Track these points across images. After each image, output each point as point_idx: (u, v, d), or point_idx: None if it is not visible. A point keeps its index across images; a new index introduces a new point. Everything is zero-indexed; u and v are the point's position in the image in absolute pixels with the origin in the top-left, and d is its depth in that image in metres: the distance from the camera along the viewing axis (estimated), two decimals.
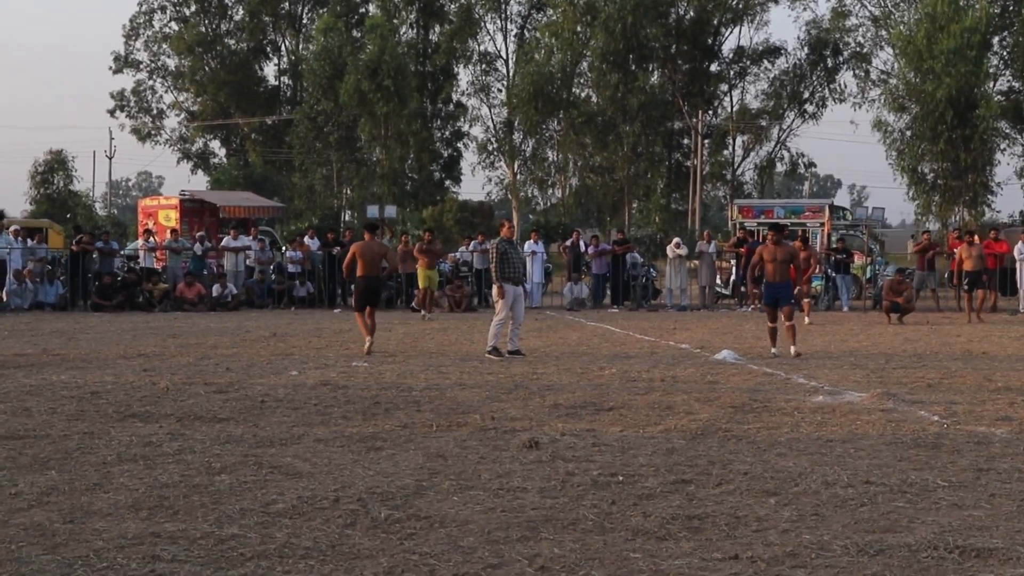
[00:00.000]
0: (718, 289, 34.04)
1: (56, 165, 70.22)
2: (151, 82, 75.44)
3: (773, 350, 17.66)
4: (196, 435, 9.98)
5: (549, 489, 7.90)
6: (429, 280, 27.96)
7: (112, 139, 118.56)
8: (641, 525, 6.94)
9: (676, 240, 33.49)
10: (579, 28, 65.24)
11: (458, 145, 72.18)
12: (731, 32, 70.29)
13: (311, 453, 9.20)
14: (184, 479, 8.14)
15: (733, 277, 33.50)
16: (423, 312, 27.04)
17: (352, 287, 21.26)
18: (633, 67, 62.73)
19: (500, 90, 71.44)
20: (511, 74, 70.59)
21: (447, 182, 71.18)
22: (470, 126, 72.66)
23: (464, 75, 72.43)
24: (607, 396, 12.71)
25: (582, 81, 68.19)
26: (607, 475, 8.36)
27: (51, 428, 10.29)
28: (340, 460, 8.92)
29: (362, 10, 73.12)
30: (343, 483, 8.03)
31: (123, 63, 74.43)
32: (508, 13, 71.86)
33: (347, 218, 65.51)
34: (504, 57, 72.28)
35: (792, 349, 17.41)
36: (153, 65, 75.20)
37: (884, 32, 61.85)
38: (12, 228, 32.02)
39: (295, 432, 10.19)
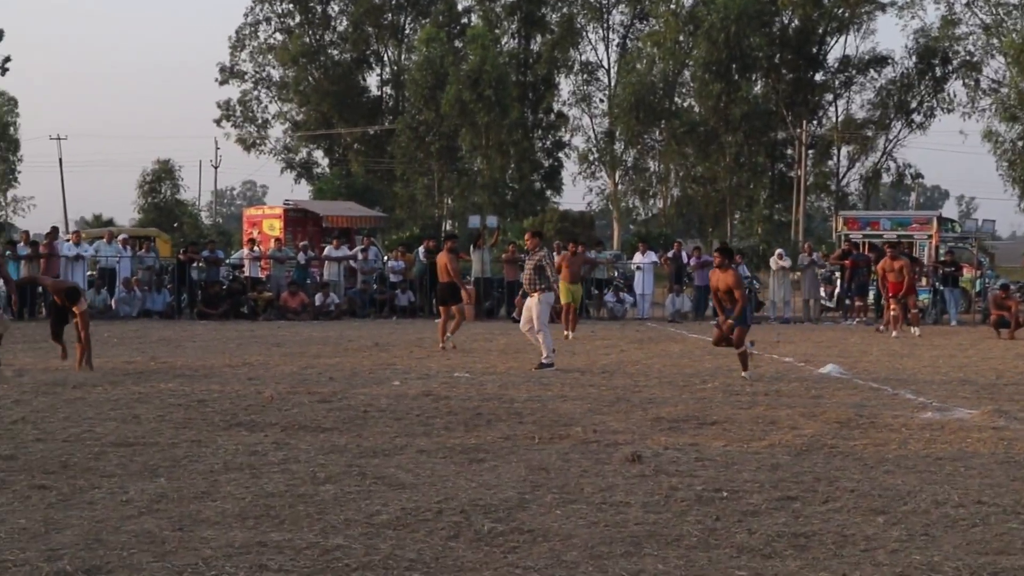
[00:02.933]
0: (822, 302, 33.63)
1: (164, 175, 71.51)
2: (256, 92, 76.51)
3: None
4: (300, 444, 10.06)
5: (652, 504, 7.85)
6: (572, 295, 24.47)
7: (218, 149, 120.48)
8: (746, 542, 6.87)
9: (779, 252, 33.16)
10: (681, 38, 65.04)
11: (559, 155, 72.26)
12: (836, 41, 69.65)
13: (414, 464, 9.23)
14: (289, 488, 8.20)
15: (838, 290, 33.08)
16: (566, 332, 23.71)
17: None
18: (736, 76, 62.40)
19: (602, 100, 71.47)
20: (612, 84, 70.53)
21: (548, 192, 71.27)
22: (571, 136, 72.79)
23: (565, 85, 72.63)
24: (710, 410, 12.61)
25: (684, 91, 68.04)
26: (711, 490, 8.29)
27: (160, 436, 10.45)
28: (443, 471, 8.94)
29: (464, 20, 73.52)
30: (446, 495, 8.05)
31: (229, 74, 75.57)
32: (610, 23, 71.86)
33: (448, 228, 65.83)
34: (606, 67, 72.31)
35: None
36: (258, 76, 76.26)
37: (995, 40, 60.81)
38: (121, 237, 32.61)
39: (398, 443, 10.24)
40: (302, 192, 74.75)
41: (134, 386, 14.29)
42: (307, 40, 74.88)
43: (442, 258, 21.04)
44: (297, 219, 38.27)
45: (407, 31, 76.26)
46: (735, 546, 6.79)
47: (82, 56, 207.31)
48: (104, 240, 32.14)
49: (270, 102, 77.00)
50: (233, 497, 7.90)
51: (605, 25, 71.75)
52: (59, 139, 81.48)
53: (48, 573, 6.01)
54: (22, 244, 29.45)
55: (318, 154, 78.38)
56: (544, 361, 17.25)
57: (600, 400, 13.43)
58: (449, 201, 68.39)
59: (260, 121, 76.88)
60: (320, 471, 8.85)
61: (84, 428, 10.81)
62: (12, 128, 74.28)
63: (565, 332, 23.57)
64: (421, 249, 32.67)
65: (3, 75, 65.93)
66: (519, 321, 26.66)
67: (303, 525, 7.14)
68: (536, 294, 17.56)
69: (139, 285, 30.18)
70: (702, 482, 8.59)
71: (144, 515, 7.35)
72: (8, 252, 29.30)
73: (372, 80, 78.23)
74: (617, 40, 72.19)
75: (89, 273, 30.68)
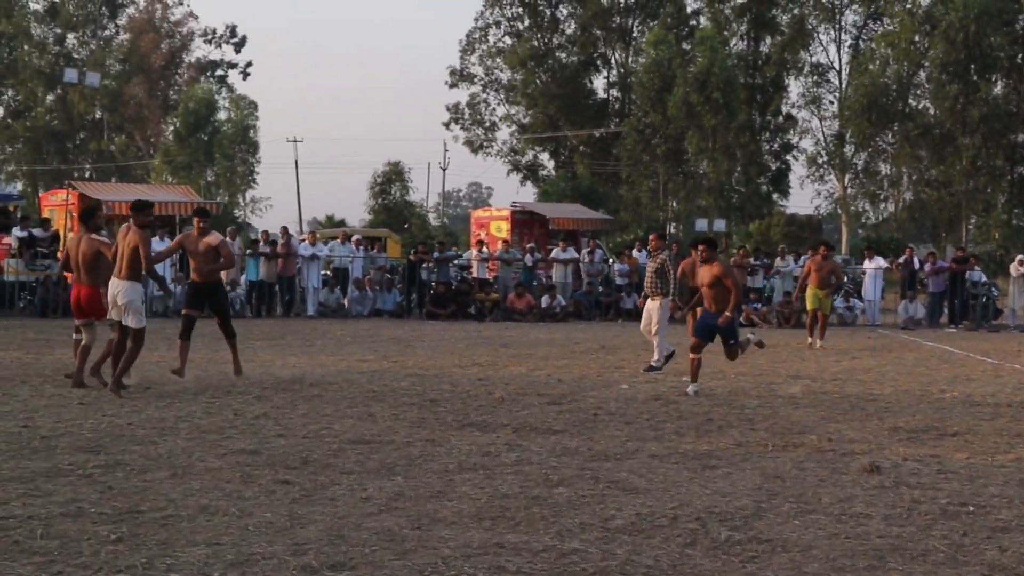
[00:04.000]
0: None
1: (394, 176, 73.03)
2: (484, 95, 77.47)
3: None
4: (532, 446, 10.11)
5: (894, 516, 7.61)
6: (820, 302, 23.04)
7: (446, 151, 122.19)
8: (997, 560, 6.59)
9: (1020, 258, 31.92)
10: (917, 38, 63.25)
11: (787, 158, 71.19)
12: None
13: (646, 469, 9.17)
14: (523, 490, 8.24)
15: None
16: (811, 339, 22.74)
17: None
18: (975, 77, 60.34)
19: (832, 102, 70.10)
20: (843, 85, 69.09)
21: (775, 195, 70.28)
22: (799, 139, 71.60)
23: (795, 87, 71.53)
24: (950, 420, 12.20)
25: (919, 92, 66.11)
26: (956, 504, 7.99)
27: (395, 434, 10.63)
28: (676, 477, 8.85)
29: (692, 22, 73.05)
30: (680, 501, 7.97)
31: (459, 77, 76.73)
32: (842, 23, 70.44)
33: (673, 231, 65.50)
34: (837, 68, 70.90)
35: None
36: (487, 79, 77.21)
37: None
38: (354, 238, 33.45)
39: (629, 447, 10.19)
40: (527, 194, 75.40)
41: (368, 384, 14.60)
42: (535, 43, 75.46)
43: (692, 262, 20.86)
44: (524, 221, 38.61)
45: (635, 33, 76.16)
46: (986, 564, 6.52)
47: (317, 61, 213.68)
48: (338, 240, 33.04)
49: (498, 105, 77.89)
50: (469, 497, 7.97)
51: (837, 26, 70.40)
52: (295, 142, 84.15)
53: (295, 567, 6.16)
54: (262, 243, 30.47)
55: (544, 156, 78.96)
56: (654, 363, 17.01)
57: (833, 408, 13.13)
58: (674, 204, 68.04)
59: (487, 124, 77.82)
60: (553, 473, 8.87)
61: (322, 425, 11.08)
62: (252, 131, 77.03)
63: (810, 340, 22.72)
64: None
65: (244, 80, 68.40)
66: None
67: (539, 527, 7.16)
68: (657, 298, 17.21)
69: (371, 285, 30.89)
70: (946, 495, 8.30)
71: (383, 513, 7.47)
72: (249, 250, 30.38)
73: (599, 83, 78.44)
74: (849, 41, 70.77)
75: (323, 272, 31.55)
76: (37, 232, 28.47)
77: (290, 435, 10.43)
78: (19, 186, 74.82)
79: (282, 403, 12.63)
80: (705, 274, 14.61)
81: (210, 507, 7.49)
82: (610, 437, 10.72)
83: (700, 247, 14.97)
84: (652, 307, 17.30)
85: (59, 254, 29.19)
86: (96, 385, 13.47)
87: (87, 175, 75.74)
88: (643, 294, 17.99)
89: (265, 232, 32.32)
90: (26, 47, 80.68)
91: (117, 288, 13.11)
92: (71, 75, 69.72)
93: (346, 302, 30.74)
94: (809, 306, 23.14)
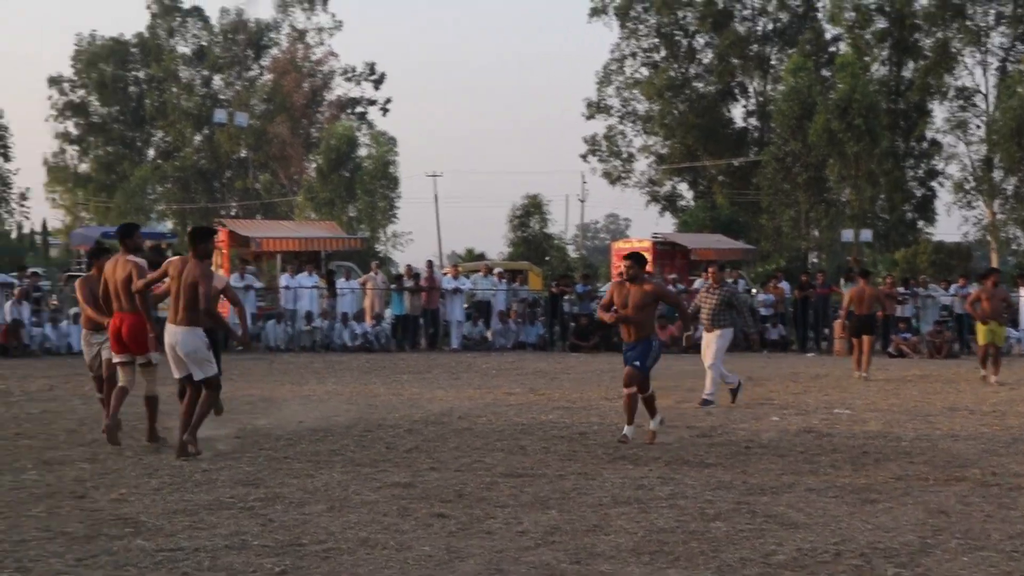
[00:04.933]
0: None
1: (532, 209, 73.21)
2: (622, 126, 77.37)
3: None
4: (686, 480, 10.00)
5: None
6: (994, 335, 21.46)
7: (584, 183, 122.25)
8: None
9: None
10: None
11: (932, 184, 69.77)
12: None
13: (804, 503, 9.01)
14: (680, 524, 8.15)
15: None
16: (984, 371, 21.40)
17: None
18: None
19: (978, 126, 68.54)
20: (991, 109, 67.56)
21: (920, 223, 68.88)
22: (945, 164, 70.12)
23: (939, 111, 69.94)
24: None
25: None
26: None
27: (547, 467, 10.62)
28: (835, 511, 8.68)
29: (832, 49, 72.15)
30: (842, 536, 7.80)
31: (596, 109, 76.75)
32: (988, 46, 68.92)
33: (815, 260, 64.59)
34: (983, 91, 69.34)
35: None
36: (624, 110, 77.12)
37: None
38: (496, 271, 33.60)
39: (784, 480, 10.03)
40: (666, 225, 74.96)
41: (516, 417, 14.62)
42: (672, 73, 75.23)
43: (861, 291, 21.74)
44: (665, 252, 38.38)
45: (772, 61, 75.48)
46: None
47: (455, 97, 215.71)
48: (480, 273, 33.22)
49: (635, 136, 77.74)
50: (625, 531, 7.91)
51: (983, 48, 68.88)
52: (434, 176, 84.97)
53: None
54: (406, 277, 30.78)
55: (682, 187, 78.50)
56: (707, 396, 16.61)
57: (995, 440, 12.78)
58: (816, 233, 67.10)
59: (625, 155, 77.67)
60: (709, 507, 8.77)
61: (474, 458, 11.12)
62: (392, 166, 77.92)
63: (983, 372, 21.39)
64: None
65: (384, 116, 69.24)
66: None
67: (699, 562, 7.07)
68: (717, 330, 16.77)
69: (514, 317, 30.97)
70: None
71: (541, 546, 7.45)
72: (393, 285, 30.71)
73: (737, 111, 77.81)
74: (996, 63, 69.17)
75: (465, 306, 31.73)
76: None
77: (443, 468, 10.48)
78: (169, 224, 76.71)
79: (433, 436, 12.71)
80: (632, 296, 12.56)
81: (369, 540, 7.55)
82: (764, 470, 10.56)
83: (626, 262, 12.91)
84: (711, 338, 16.87)
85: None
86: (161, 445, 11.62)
87: (233, 212, 77.36)
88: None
89: (408, 266, 32.64)
90: (175, 89, 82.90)
91: (175, 337, 10.95)
92: (220, 116, 71.41)
93: (489, 335, 30.87)
94: (981, 340, 21.67)
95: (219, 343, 12.79)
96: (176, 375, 11.19)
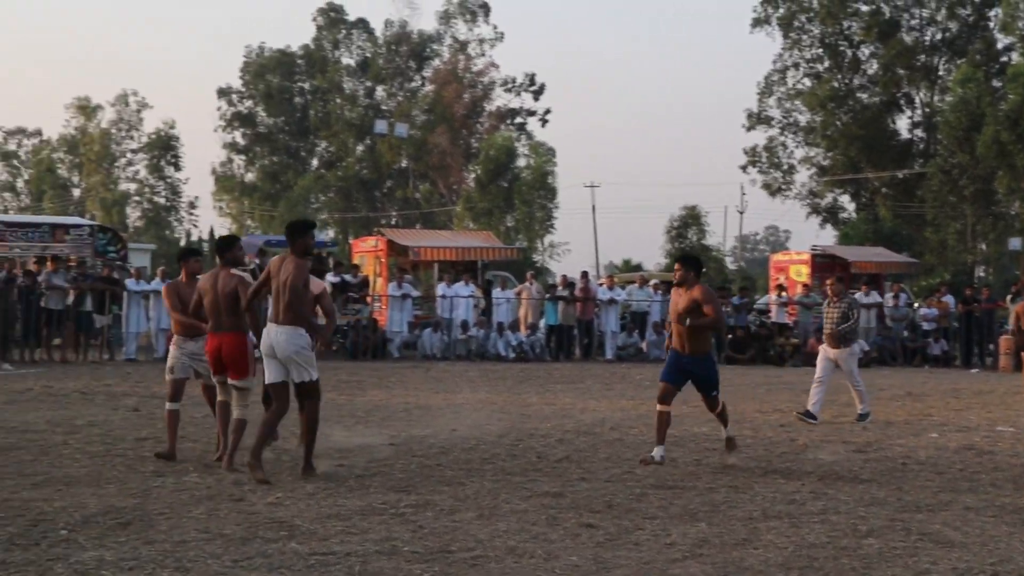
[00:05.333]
0: None
1: (690, 220, 72.77)
2: (783, 138, 76.50)
3: None
4: (839, 495, 9.86)
5: None
6: None
7: (743, 194, 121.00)
8: None
9: None
10: None
11: None
12: None
13: (961, 522, 8.82)
14: (831, 540, 8.05)
15: None
16: None
17: None
18: None
19: None
20: None
21: None
22: None
23: None
24: None
25: None
26: None
27: (697, 480, 10.57)
28: (993, 531, 8.48)
29: (1003, 58, 70.36)
30: (1000, 556, 7.62)
31: (756, 120, 76.03)
32: None
33: (981, 274, 63.04)
34: None
35: None
36: (785, 121, 76.24)
37: None
38: (652, 282, 33.51)
39: (941, 498, 9.82)
40: (826, 237, 73.81)
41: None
42: (835, 84, 74.12)
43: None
44: (824, 264, 37.78)
45: (940, 72, 73.90)
46: None
47: (614, 108, 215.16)
48: (636, 285, 33.17)
49: (796, 147, 76.78)
50: (775, 546, 7.84)
51: None
52: (592, 187, 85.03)
53: None
54: (560, 287, 30.88)
55: (844, 199, 77.27)
56: (862, 411, 16.15)
57: None
58: (983, 247, 65.44)
59: (785, 166, 76.77)
60: (861, 524, 8.63)
61: (624, 469, 11.12)
62: (550, 177, 78.21)
63: None
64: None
65: (543, 127, 69.65)
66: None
67: None
68: (843, 348, 16.16)
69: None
70: None
71: (688, 559, 7.42)
72: (548, 295, 30.84)
73: (902, 123, 76.31)
74: None
75: (620, 317, 31.68)
76: (348, 278, 29.65)
77: (593, 479, 10.51)
78: (331, 233, 78.11)
79: (584, 446, 12.74)
80: (682, 301, 11.65)
81: (517, 549, 7.60)
82: (920, 487, 10.36)
83: (676, 265, 11.97)
84: (838, 357, 16.23)
85: (367, 298, 30.40)
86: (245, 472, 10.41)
87: (393, 222, 78.47)
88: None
89: (564, 276, 32.73)
90: (338, 100, 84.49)
91: (276, 336, 10.22)
92: (381, 127, 72.50)
93: (644, 345, 30.78)
94: None
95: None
96: (268, 379, 10.42)
